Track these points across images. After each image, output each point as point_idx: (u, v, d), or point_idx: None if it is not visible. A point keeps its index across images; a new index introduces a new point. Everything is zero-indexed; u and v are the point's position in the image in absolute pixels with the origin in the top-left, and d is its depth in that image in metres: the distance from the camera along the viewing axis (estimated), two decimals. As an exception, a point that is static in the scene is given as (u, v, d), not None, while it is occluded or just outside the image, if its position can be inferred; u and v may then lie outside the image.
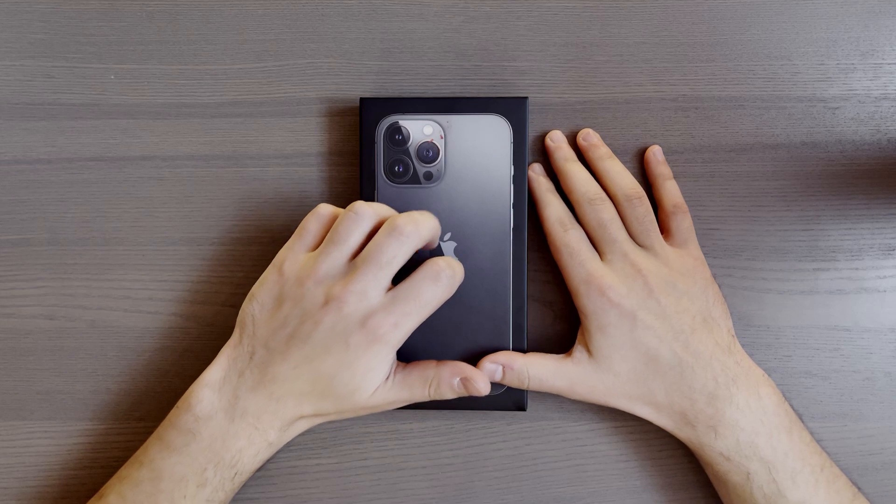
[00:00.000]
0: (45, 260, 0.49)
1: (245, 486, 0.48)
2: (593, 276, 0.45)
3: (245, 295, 0.44)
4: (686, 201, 0.48)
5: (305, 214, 0.44)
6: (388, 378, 0.44)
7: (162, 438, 0.44)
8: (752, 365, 0.46)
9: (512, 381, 0.46)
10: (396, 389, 0.44)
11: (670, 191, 0.48)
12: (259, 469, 0.46)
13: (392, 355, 0.43)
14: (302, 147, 0.49)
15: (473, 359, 0.46)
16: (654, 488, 0.49)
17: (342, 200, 0.49)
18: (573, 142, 0.49)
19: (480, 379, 0.44)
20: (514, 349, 0.46)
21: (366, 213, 0.42)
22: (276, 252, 0.44)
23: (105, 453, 0.49)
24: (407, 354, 0.46)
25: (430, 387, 0.44)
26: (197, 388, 0.44)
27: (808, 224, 0.49)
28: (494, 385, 0.46)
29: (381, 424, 0.49)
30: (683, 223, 0.48)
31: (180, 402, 0.44)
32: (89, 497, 0.46)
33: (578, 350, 0.46)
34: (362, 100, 0.47)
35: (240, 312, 0.44)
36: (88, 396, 0.49)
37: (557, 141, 0.48)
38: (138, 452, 0.45)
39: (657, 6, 0.49)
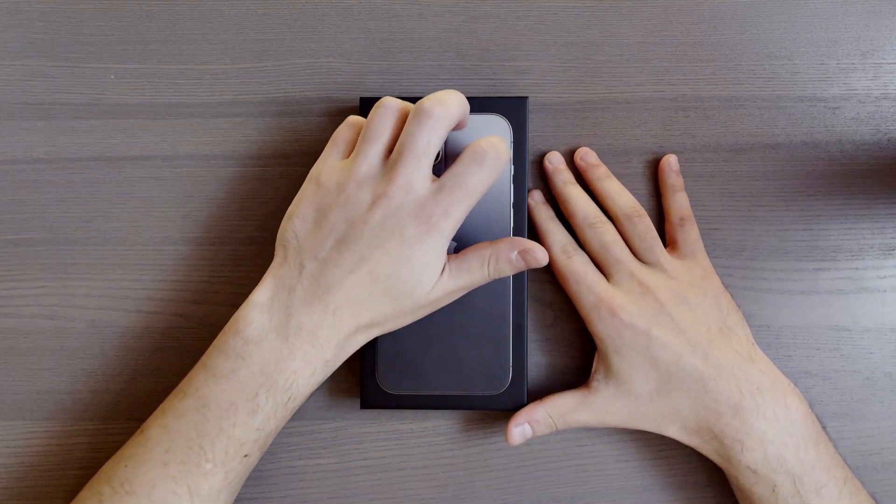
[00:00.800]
0: (45, 260, 0.49)
1: (245, 485, 0.48)
2: (602, 298, 0.45)
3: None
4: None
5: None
6: (443, 270, 0.42)
7: (208, 366, 0.41)
8: (778, 373, 0.45)
9: (542, 431, 0.46)
10: (454, 277, 0.42)
11: (679, 203, 0.48)
12: (312, 394, 0.43)
13: (446, 246, 0.41)
14: (302, 147, 0.49)
15: (473, 360, 0.46)
16: (654, 488, 0.49)
17: (342, 200, 0.49)
18: (570, 156, 0.49)
19: (539, 249, 0.43)
20: (514, 349, 0.46)
21: (394, 103, 0.42)
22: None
23: (105, 453, 0.49)
24: (407, 354, 0.46)
25: (488, 265, 0.43)
26: (245, 311, 0.41)
27: (808, 224, 0.49)
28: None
29: (381, 424, 0.49)
30: (690, 234, 0.47)
31: (226, 328, 0.42)
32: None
33: (596, 379, 0.46)
34: (362, 100, 0.47)
35: (279, 234, 0.43)
36: (88, 396, 0.49)
37: (556, 163, 0.48)
38: (182, 384, 0.42)
39: (657, 6, 0.49)
